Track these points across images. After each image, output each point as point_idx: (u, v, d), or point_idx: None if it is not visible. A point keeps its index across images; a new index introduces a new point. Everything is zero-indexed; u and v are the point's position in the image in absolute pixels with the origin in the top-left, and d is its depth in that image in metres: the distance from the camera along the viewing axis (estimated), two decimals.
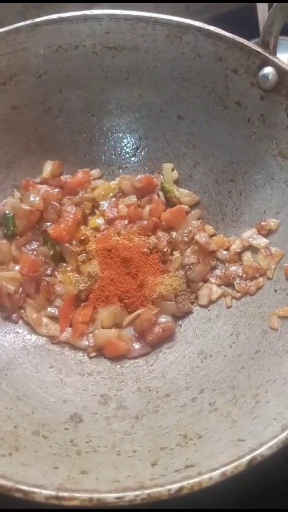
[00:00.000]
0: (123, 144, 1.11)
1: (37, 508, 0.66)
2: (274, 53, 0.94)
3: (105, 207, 1.08)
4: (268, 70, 0.94)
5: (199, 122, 1.05)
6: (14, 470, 0.65)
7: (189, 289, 1.00)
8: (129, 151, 1.11)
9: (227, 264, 1.01)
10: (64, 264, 1.02)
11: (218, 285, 1.00)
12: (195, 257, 1.01)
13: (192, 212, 1.07)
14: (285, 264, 0.93)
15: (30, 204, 1.02)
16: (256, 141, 1.00)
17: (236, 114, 1.00)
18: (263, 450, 0.65)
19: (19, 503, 0.64)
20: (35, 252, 1.01)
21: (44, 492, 0.62)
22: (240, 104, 0.99)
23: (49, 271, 1.00)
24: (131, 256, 0.98)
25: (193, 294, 1.00)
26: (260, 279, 0.96)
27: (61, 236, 1.02)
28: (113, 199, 1.08)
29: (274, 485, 0.87)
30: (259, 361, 0.84)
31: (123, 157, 1.12)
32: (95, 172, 1.11)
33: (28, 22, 0.98)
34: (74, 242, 1.03)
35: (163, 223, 1.06)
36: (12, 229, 1.01)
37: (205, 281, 1.01)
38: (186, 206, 1.07)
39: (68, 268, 1.02)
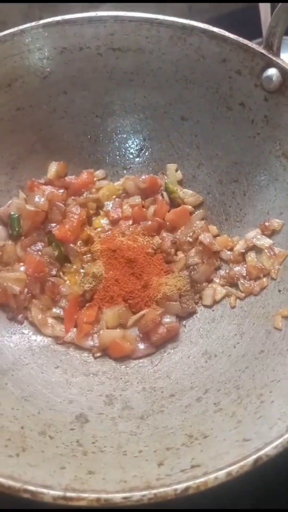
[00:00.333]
0: (127, 145, 1.12)
1: (38, 508, 0.66)
2: (278, 54, 0.95)
3: (109, 208, 1.08)
4: (272, 71, 0.94)
5: (203, 123, 1.05)
6: (21, 470, 0.65)
7: (193, 290, 1.00)
8: (133, 151, 1.12)
9: (231, 265, 1.01)
10: (69, 265, 1.03)
11: (222, 286, 1.00)
12: (199, 257, 1.01)
13: (196, 213, 1.07)
14: None
15: (35, 205, 1.02)
16: (260, 142, 1.00)
17: (240, 115, 1.01)
18: (268, 450, 0.65)
19: (19, 503, 0.64)
20: (40, 253, 1.02)
21: (52, 492, 0.62)
22: (244, 105, 1.00)
23: (54, 272, 1.01)
24: (135, 256, 0.99)
25: (197, 295, 1.01)
26: (264, 279, 0.96)
27: (65, 236, 1.02)
28: (118, 199, 1.09)
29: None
30: (264, 361, 0.84)
31: (127, 157, 1.12)
32: (99, 172, 1.11)
33: (33, 23, 0.99)
34: (78, 243, 1.04)
35: (167, 223, 1.06)
36: (17, 229, 1.01)
37: (209, 281, 1.02)
38: (190, 207, 1.08)
39: (72, 269, 1.02)
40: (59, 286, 1.00)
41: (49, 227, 1.04)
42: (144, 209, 1.07)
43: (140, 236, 1.03)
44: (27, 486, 0.63)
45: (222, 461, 0.66)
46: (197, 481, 0.63)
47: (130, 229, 1.05)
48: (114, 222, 1.07)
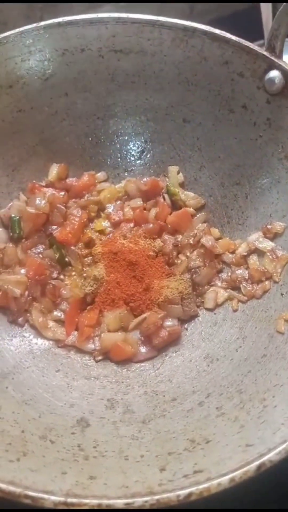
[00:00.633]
0: (128, 147, 1.11)
1: (39, 508, 0.65)
2: (280, 56, 0.94)
3: (110, 210, 1.08)
4: (274, 73, 0.94)
5: (205, 125, 1.05)
6: (22, 475, 0.65)
7: (195, 293, 1.00)
8: (134, 154, 1.12)
9: (233, 268, 1.01)
10: (70, 267, 1.02)
11: (224, 289, 1.00)
12: (201, 260, 1.01)
13: (197, 215, 1.07)
14: None
15: (36, 207, 1.02)
16: (262, 145, 0.99)
17: (242, 118, 1.00)
18: (272, 455, 0.65)
19: (20, 504, 0.64)
20: (41, 255, 1.01)
21: (53, 498, 0.62)
22: (246, 107, 0.99)
23: (55, 274, 1.00)
24: (137, 259, 0.99)
25: (199, 298, 1.00)
26: (267, 282, 0.96)
27: (67, 239, 1.02)
28: (119, 202, 1.09)
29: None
30: (266, 365, 0.84)
31: (128, 160, 1.12)
32: (100, 175, 1.11)
33: (34, 25, 0.99)
34: (80, 245, 1.03)
35: (169, 226, 1.06)
36: (18, 232, 1.01)
37: (211, 284, 1.01)
38: (192, 209, 1.07)
39: (73, 272, 1.02)
40: (60, 289, 0.99)
41: (50, 229, 1.03)
42: (145, 212, 1.07)
43: (141, 238, 1.03)
44: (28, 491, 0.62)
45: (225, 467, 0.65)
46: (200, 487, 0.63)
47: (132, 231, 1.05)
48: (115, 225, 1.06)
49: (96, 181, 1.10)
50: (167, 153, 1.10)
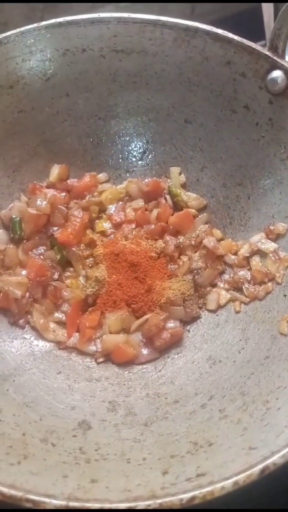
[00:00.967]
0: (130, 147, 1.11)
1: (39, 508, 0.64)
2: (282, 56, 0.94)
3: (112, 211, 1.07)
4: (277, 73, 0.93)
5: (207, 126, 1.05)
6: (23, 479, 0.64)
7: (197, 294, 0.99)
8: (136, 154, 1.11)
9: (235, 269, 1.00)
10: (71, 269, 1.02)
11: (227, 290, 0.99)
12: (203, 261, 1.00)
13: (199, 216, 1.06)
14: None
15: (37, 208, 1.01)
16: (264, 145, 0.99)
17: (244, 118, 1.00)
18: (276, 458, 0.64)
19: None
20: (42, 257, 1.01)
21: (55, 502, 0.61)
22: (249, 108, 0.99)
23: (56, 276, 1.00)
24: (138, 260, 0.98)
25: (201, 299, 1.00)
26: (269, 284, 0.95)
27: (68, 240, 1.01)
28: (120, 203, 1.08)
29: None
30: (269, 367, 0.83)
31: (130, 160, 1.11)
32: (102, 176, 1.10)
33: (34, 25, 0.98)
34: (81, 246, 1.03)
35: (171, 227, 1.05)
36: (19, 233, 1.00)
37: (213, 285, 1.01)
38: (194, 210, 1.07)
39: (75, 273, 1.01)
40: (61, 290, 0.99)
41: (51, 230, 1.03)
42: (147, 213, 1.06)
43: (143, 239, 1.02)
44: (29, 495, 0.62)
45: (228, 470, 0.65)
46: (203, 490, 0.62)
47: (133, 232, 1.04)
48: (117, 226, 1.06)
49: (98, 182, 1.10)
50: (169, 153, 1.10)
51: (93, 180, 1.09)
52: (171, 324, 0.95)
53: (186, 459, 0.71)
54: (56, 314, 0.98)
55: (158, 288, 0.96)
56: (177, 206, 1.07)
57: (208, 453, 0.71)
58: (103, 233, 1.05)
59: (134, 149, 1.11)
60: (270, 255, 0.96)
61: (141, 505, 0.61)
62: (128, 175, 1.11)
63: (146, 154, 1.11)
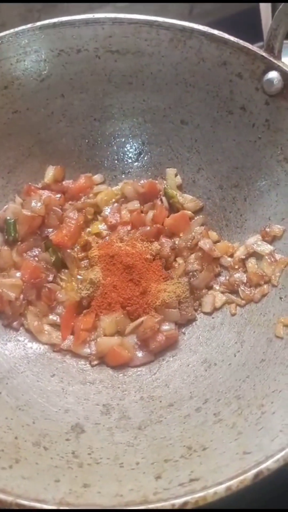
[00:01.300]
0: (126, 149, 1.10)
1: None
2: (279, 57, 0.94)
3: (107, 213, 1.06)
4: (273, 74, 0.93)
5: (203, 127, 1.04)
6: (14, 483, 0.64)
7: (192, 296, 0.99)
8: (132, 156, 1.10)
9: (231, 271, 0.99)
10: (66, 271, 1.01)
11: (222, 292, 0.99)
12: (199, 263, 0.99)
13: (195, 218, 1.06)
14: None
15: (31, 209, 1.01)
16: (261, 147, 0.98)
17: (240, 119, 0.99)
18: (269, 464, 0.64)
19: None
20: (36, 258, 1.00)
21: (45, 507, 0.61)
22: (245, 109, 0.98)
23: (50, 278, 0.99)
24: (133, 262, 0.97)
25: (197, 301, 0.99)
26: (265, 286, 0.95)
27: (63, 242, 1.01)
28: (116, 204, 1.07)
29: None
30: (265, 371, 0.83)
31: (126, 162, 1.11)
32: (97, 177, 1.10)
33: (29, 25, 0.98)
34: (76, 248, 1.03)
35: (166, 229, 1.04)
36: (13, 235, 1.00)
37: (209, 288, 1.00)
38: (190, 212, 1.06)
39: (70, 275, 1.01)
40: (56, 292, 0.98)
41: (46, 232, 1.02)
42: (142, 214, 1.06)
43: (138, 241, 1.02)
44: (20, 500, 0.61)
45: (221, 475, 0.64)
46: (196, 495, 0.62)
47: (129, 234, 1.04)
48: (112, 228, 1.05)
49: (93, 183, 1.09)
50: (165, 155, 1.09)
51: (89, 181, 1.08)
52: (166, 326, 0.95)
53: (180, 464, 0.70)
54: (50, 316, 0.97)
55: (153, 291, 0.96)
56: (173, 207, 1.07)
57: (202, 458, 0.70)
58: (98, 235, 1.05)
59: (130, 150, 1.10)
60: (266, 257, 0.95)
61: (132, 510, 0.60)
62: (123, 176, 1.11)
63: (142, 156, 1.10)
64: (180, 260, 1.01)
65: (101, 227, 1.05)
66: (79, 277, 1.00)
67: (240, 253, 0.99)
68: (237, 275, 0.98)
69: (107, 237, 1.04)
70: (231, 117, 1.00)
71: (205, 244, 0.99)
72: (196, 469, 0.68)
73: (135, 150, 1.10)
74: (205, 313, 0.98)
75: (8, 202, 1.03)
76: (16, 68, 0.99)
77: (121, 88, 1.05)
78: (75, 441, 0.77)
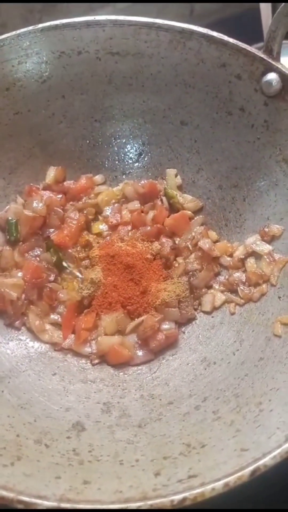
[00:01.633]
0: (126, 149, 1.11)
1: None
2: (278, 59, 0.94)
3: (108, 213, 1.07)
4: (271, 76, 0.94)
5: (203, 128, 1.05)
6: (16, 480, 0.64)
7: (192, 296, 0.99)
8: (132, 156, 1.11)
9: (230, 271, 1.00)
10: (67, 271, 1.02)
11: (222, 292, 1.00)
12: (199, 263, 1.00)
13: (195, 218, 1.06)
14: None
15: (33, 210, 1.01)
16: (260, 147, 0.99)
17: (240, 120, 1.00)
18: (267, 460, 0.65)
19: None
20: (38, 259, 1.01)
21: (46, 503, 0.62)
22: (244, 110, 0.99)
23: (52, 278, 1.00)
24: (134, 262, 0.98)
25: (197, 301, 1.00)
26: (264, 285, 0.95)
27: (64, 242, 1.02)
28: (116, 204, 1.08)
29: None
30: (263, 369, 0.83)
31: (126, 162, 1.12)
32: (98, 177, 1.10)
33: (30, 28, 0.99)
34: (77, 248, 1.03)
35: (167, 229, 1.05)
36: (15, 235, 1.00)
37: (209, 287, 1.01)
38: (190, 212, 1.07)
39: (71, 275, 1.02)
40: (57, 292, 0.99)
41: (47, 232, 1.03)
42: (143, 215, 1.06)
43: (139, 241, 1.02)
44: (21, 496, 0.62)
45: (219, 472, 0.65)
46: (194, 492, 0.62)
47: (129, 234, 1.05)
48: (113, 228, 1.06)
49: (94, 184, 1.10)
50: (165, 155, 1.10)
51: (89, 182, 1.09)
52: (166, 325, 0.95)
53: (179, 461, 0.71)
54: (51, 316, 0.98)
55: (154, 290, 0.97)
56: (173, 208, 1.07)
57: (201, 455, 0.71)
58: (99, 235, 1.06)
59: (130, 151, 1.11)
60: (265, 257, 0.96)
61: (132, 506, 0.61)
62: (124, 177, 1.12)
63: (142, 156, 1.11)
64: (180, 260, 1.02)
65: (102, 227, 1.06)
66: (80, 276, 1.01)
67: (239, 252, 1.00)
68: (236, 274, 0.99)
69: (107, 237, 1.05)
70: (230, 118, 1.01)
71: (204, 243, 1.00)
72: (195, 466, 0.68)
73: (136, 150, 1.11)
74: (205, 312, 0.99)
75: (9, 203, 1.04)
76: (18, 70, 1.00)
77: (121, 89, 1.06)
78: (76, 439, 0.78)
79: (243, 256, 0.99)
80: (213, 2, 1.68)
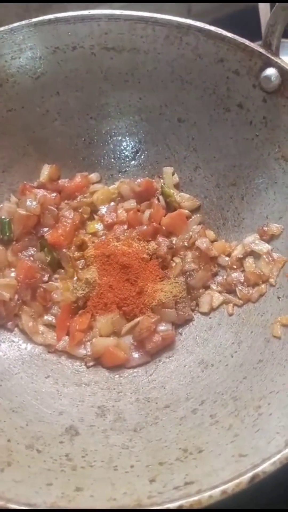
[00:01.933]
0: (122, 147, 1.09)
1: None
2: (276, 54, 0.92)
3: (104, 212, 1.06)
4: (270, 71, 0.92)
5: (200, 125, 1.03)
6: (5, 487, 0.63)
7: (189, 296, 0.98)
8: (128, 154, 1.09)
9: (228, 271, 0.99)
10: (62, 271, 1.00)
11: (220, 292, 0.98)
12: (196, 263, 0.99)
13: (193, 217, 1.05)
14: None
15: (26, 208, 1.00)
16: (258, 144, 0.97)
17: (238, 117, 0.98)
18: (266, 466, 0.63)
19: None
20: (31, 258, 0.99)
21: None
22: (242, 106, 0.97)
23: (46, 278, 0.98)
24: (130, 262, 0.96)
25: (194, 301, 0.98)
26: (263, 285, 0.94)
27: (58, 241, 1.00)
28: (112, 203, 1.07)
29: None
30: (262, 371, 0.82)
31: (122, 160, 1.10)
32: (93, 176, 1.09)
33: (24, 22, 0.97)
34: (72, 248, 1.02)
35: (163, 228, 1.04)
36: (8, 234, 0.99)
37: (206, 287, 0.99)
38: (187, 211, 1.05)
39: (65, 275, 1.00)
40: (51, 292, 0.97)
41: (41, 231, 1.02)
42: (139, 214, 1.05)
43: (135, 241, 1.01)
44: (10, 504, 0.60)
45: (217, 478, 0.63)
46: (190, 499, 0.61)
47: (125, 234, 1.03)
48: (108, 227, 1.04)
49: (89, 182, 1.08)
50: (162, 153, 1.08)
51: (85, 180, 1.07)
52: (162, 327, 0.94)
53: (175, 467, 0.69)
54: (45, 317, 0.97)
55: (150, 291, 0.95)
56: (170, 206, 1.06)
57: (198, 460, 0.69)
58: (94, 234, 1.04)
59: (127, 149, 1.09)
60: (264, 256, 0.94)
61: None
62: (120, 175, 1.10)
63: (138, 154, 1.09)
64: (177, 260, 1.01)
65: (97, 226, 1.05)
66: (75, 277, 0.99)
67: (237, 252, 0.98)
68: (234, 274, 0.97)
69: (103, 237, 1.03)
70: (228, 115, 0.99)
71: (202, 243, 0.98)
72: (191, 472, 0.67)
73: (132, 148, 1.09)
74: (202, 313, 0.97)
75: (3, 201, 1.02)
76: (11, 66, 0.98)
77: (117, 86, 1.04)
78: (69, 444, 0.76)
79: (242, 256, 0.97)
80: (211, 2, 1.67)
